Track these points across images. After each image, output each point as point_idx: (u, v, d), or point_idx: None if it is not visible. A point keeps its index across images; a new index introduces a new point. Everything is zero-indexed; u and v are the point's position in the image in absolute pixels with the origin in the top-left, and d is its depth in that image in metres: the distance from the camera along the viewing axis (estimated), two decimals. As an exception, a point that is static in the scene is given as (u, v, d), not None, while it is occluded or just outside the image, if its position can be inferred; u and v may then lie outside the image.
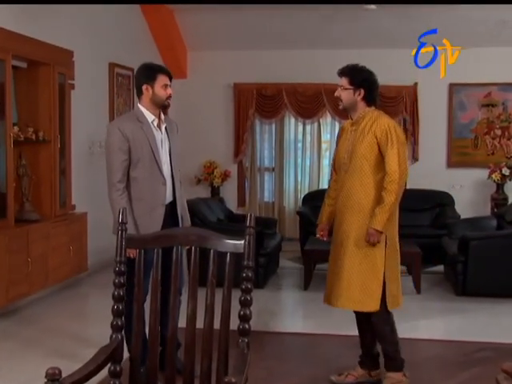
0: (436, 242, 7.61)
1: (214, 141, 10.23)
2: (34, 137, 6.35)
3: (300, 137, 10.32)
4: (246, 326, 2.60)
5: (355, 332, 5.39)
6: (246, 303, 2.60)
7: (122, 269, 2.66)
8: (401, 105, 9.99)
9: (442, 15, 8.77)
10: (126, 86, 8.50)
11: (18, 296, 5.87)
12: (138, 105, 4.19)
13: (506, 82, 9.71)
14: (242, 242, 2.63)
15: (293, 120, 10.33)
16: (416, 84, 9.97)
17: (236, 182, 10.45)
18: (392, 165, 4.01)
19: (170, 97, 4.16)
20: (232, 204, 9.98)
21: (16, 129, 6.08)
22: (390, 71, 9.74)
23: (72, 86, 6.99)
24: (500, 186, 9.46)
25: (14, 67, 6.04)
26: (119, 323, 2.67)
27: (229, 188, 10.33)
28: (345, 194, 4.19)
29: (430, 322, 5.88)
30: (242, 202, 10.43)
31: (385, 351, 4.30)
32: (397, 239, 4.29)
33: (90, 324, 5.88)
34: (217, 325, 2.63)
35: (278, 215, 10.24)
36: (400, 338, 5.24)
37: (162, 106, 4.17)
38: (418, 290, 6.73)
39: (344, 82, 4.17)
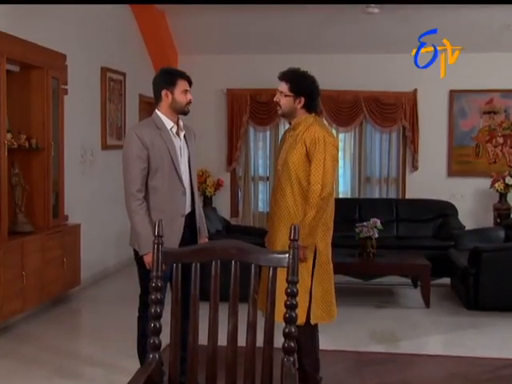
0: (441, 254, 7.62)
1: (206, 149, 10.12)
2: (26, 144, 6.27)
3: (295, 145, 10.28)
4: (292, 344, 2.57)
5: (369, 348, 5.42)
6: (291, 320, 2.57)
7: (159, 284, 2.60)
8: (400, 112, 10.04)
9: (443, 19, 8.82)
10: (118, 91, 8.43)
11: (12, 312, 5.76)
12: (157, 111, 4.14)
13: (509, 88, 9.81)
14: (286, 255, 2.60)
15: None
16: (415, 90, 10.03)
17: (229, 192, 10.44)
18: (315, 176, 3.96)
19: (190, 102, 4.12)
20: (225, 214, 9.93)
21: (9, 136, 5.99)
22: (388, 77, 9.84)
23: (65, 91, 6.91)
24: (503, 196, 9.52)
25: (6, 71, 5.95)
26: (157, 342, 2.60)
27: (221, 198, 10.30)
28: (276, 201, 4.16)
29: (444, 337, 5.85)
30: (235, 212, 10.41)
31: (304, 366, 4.20)
32: (329, 255, 4.18)
33: (88, 341, 5.79)
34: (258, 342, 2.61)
35: (273, 226, 10.18)
36: (416, 353, 5.28)
37: (181, 113, 4.12)
38: (427, 304, 6.73)
39: (284, 88, 4.12)
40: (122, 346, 5.43)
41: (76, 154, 7.42)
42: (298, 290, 2.60)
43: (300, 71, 4.17)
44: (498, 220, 9.44)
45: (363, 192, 10.26)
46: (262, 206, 10.55)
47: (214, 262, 2.65)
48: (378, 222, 7.14)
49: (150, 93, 9.99)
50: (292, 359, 2.57)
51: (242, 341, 2.62)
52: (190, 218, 4.15)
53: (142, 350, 4.19)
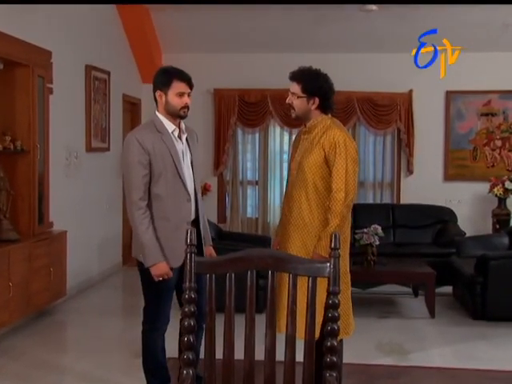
0: (442, 261, 7.65)
1: (192, 151, 10.09)
2: (11, 146, 6.17)
3: (286, 147, 10.27)
4: (334, 359, 2.54)
5: (378, 361, 5.40)
6: (332, 333, 2.54)
7: (193, 296, 2.55)
8: (394, 113, 10.05)
9: (440, 19, 8.85)
10: (103, 90, 8.33)
11: (-2, 325, 5.67)
12: (156, 113, 4.02)
13: (507, 89, 9.86)
14: (327, 264, 2.57)
15: (278, 129, 10.31)
16: (411, 91, 10.05)
17: (216, 197, 10.39)
18: (338, 182, 3.92)
19: (185, 107, 3.96)
20: (212, 220, 9.84)
21: (-6, 137, 5.90)
22: (383, 77, 9.86)
23: (50, 91, 6.81)
24: (502, 201, 9.56)
25: (-10, 68, 5.88)
26: (190, 357, 2.54)
27: (208, 203, 10.18)
28: (289, 207, 4.12)
29: (454, 348, 5.81)
30: (222, 217, 10.36)
31: None
32: (347, 265, 4.17)
33: (79, 356, 5.66)
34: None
35: (262, 232, 10.16)
36: (428, 366, 5.28)
37: (176, 116, 4.00)
38: (433, 314, 6.75)
39: (296, 88, 4.07)
40: (115, 361, 5.38)
41: (60, 157, 7.32)
42: (339, 301, 2.57)
43: (311, 70, 4.12)
44: (497, 226, 9.48)
45: (356, 197, 10.23)
46: (250, 211, 10.50)
47: (249, 272, 2.61)
48: (379, 228, 7.14)
49: (133, 93, 9.97)
50: (334, 374, 2.54)
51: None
52: (194, 225, 4.07)
53: (149, 366, 4.11)
